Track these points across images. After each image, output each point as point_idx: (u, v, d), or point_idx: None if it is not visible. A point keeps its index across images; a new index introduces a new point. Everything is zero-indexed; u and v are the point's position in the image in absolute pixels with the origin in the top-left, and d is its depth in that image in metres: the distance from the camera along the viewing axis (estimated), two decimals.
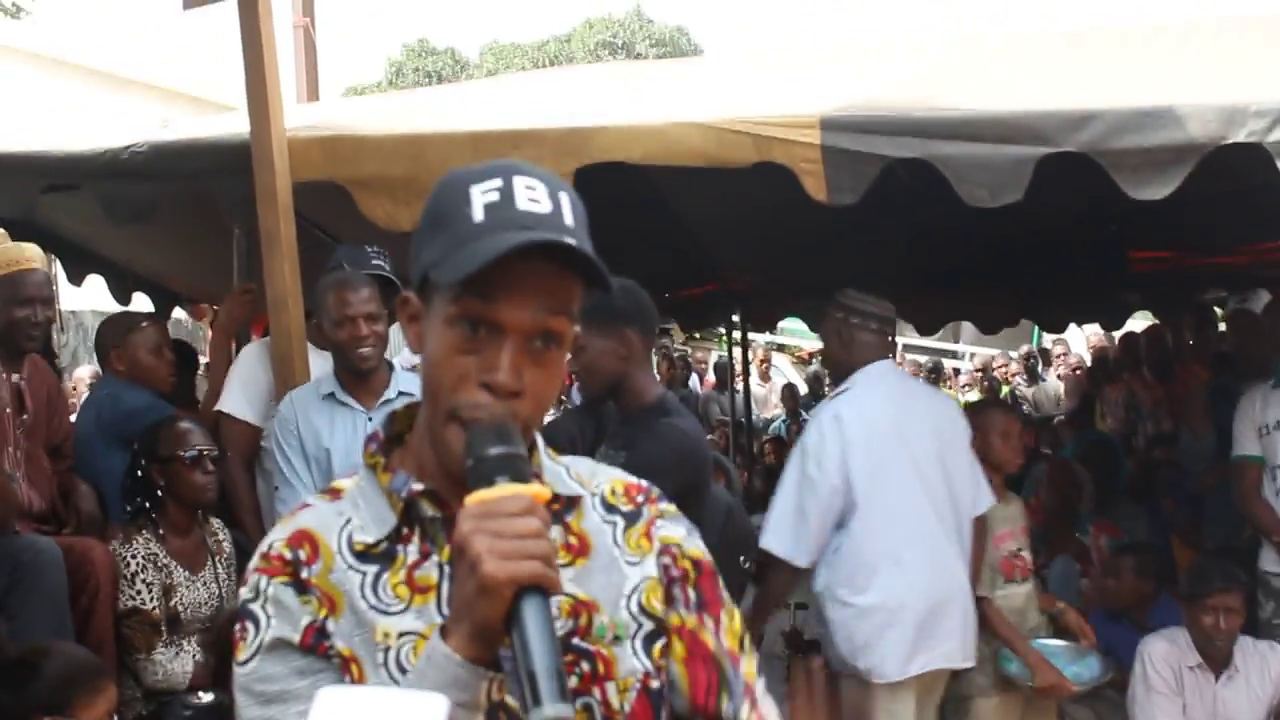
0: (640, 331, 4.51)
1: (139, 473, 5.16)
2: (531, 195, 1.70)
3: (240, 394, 5.65)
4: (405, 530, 1.79)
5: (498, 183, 1.70)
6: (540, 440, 1.89)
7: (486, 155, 4.99)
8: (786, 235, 8.07)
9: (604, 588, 1.83)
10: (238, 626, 1.76)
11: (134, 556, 4.95)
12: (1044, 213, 5.70)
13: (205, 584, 5.08)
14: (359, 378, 5.15)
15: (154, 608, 4.90)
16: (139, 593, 4.91)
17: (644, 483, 1.98)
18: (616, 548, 1.87)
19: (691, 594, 1.89)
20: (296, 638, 1.73)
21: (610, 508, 1.91)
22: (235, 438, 5.57)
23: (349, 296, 5.14)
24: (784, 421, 14.67)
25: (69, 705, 3.82)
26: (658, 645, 1.84)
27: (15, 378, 5.19)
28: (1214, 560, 5.91)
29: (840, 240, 7.93)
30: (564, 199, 1.73)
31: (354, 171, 5.30)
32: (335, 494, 1.87)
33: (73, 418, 6.05)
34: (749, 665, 1.92)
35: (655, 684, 1.84)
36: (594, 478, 1.95)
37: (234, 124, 5.81)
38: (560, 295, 1.70)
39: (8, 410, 4.95)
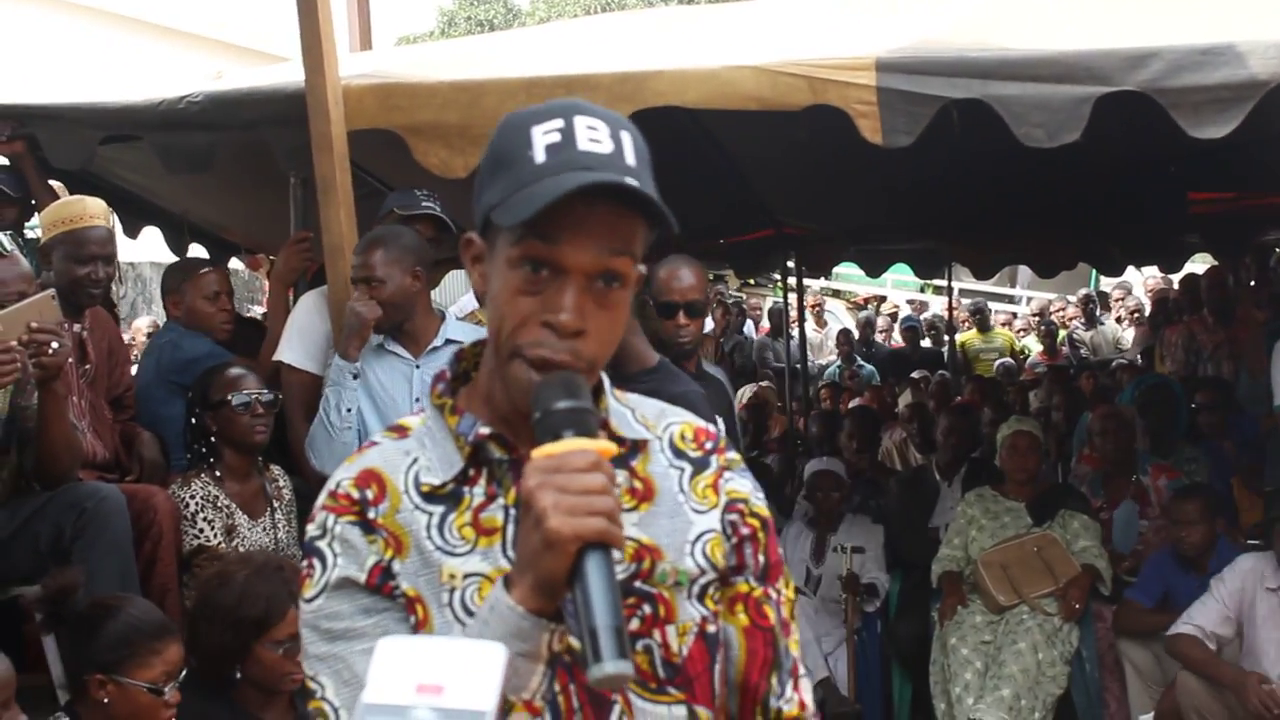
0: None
1: (194, 420, 5.22)
2: (593, 135, 1.70)
3: (299, 343, 5.67)
4: (472, 472, 1.81)
5: (559, 123, 1.70)
6: (607, 381, 1.89)
7: (540, 101, 5.00)
8: (842, 179, 8.04)
9: (668, 533, 1.84)
10: (304, 563, 1.79)
11: (193, 498, 5.02)
12: (1102, 154, 5.65)
13: (265, 530, 5.13)
14: (397, 329, 5.19)
15: (219, 544, 4.96)
16: (201, 531, 4.97)
17: (712, 428, 1.98)
18: (682, 494, 1.88)
19: (761, 559, 1.91)
20: (362, 577, 1.75)
21: (679, 453, 1.91)
22: (295, 387, 5.59)
23: (354, 258, 5.19)
24: (839, 367, 14.62)
25: (122, 665, 3.84)
26: (710, 593, 1.85)
27: (77, 328, 5.25)
28: None
29: (895, 184, 7.90)
30: (626, 138, 1.73)
31: (408, 119, 5.31)
32: (402, 431, 1.88)
33: (132, 369, 6.12)
34: (795, 638, 1.95)
35: (712, 629, 1.85)
36: (661, 420, 1.95)
37: (289, 73, 5.82)
38: (622, 235, 1.71)
39: (70, 361, 5.00)
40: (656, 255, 5.73)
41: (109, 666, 3.84)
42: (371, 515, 1.78)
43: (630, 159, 1.71)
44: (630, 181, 1.66)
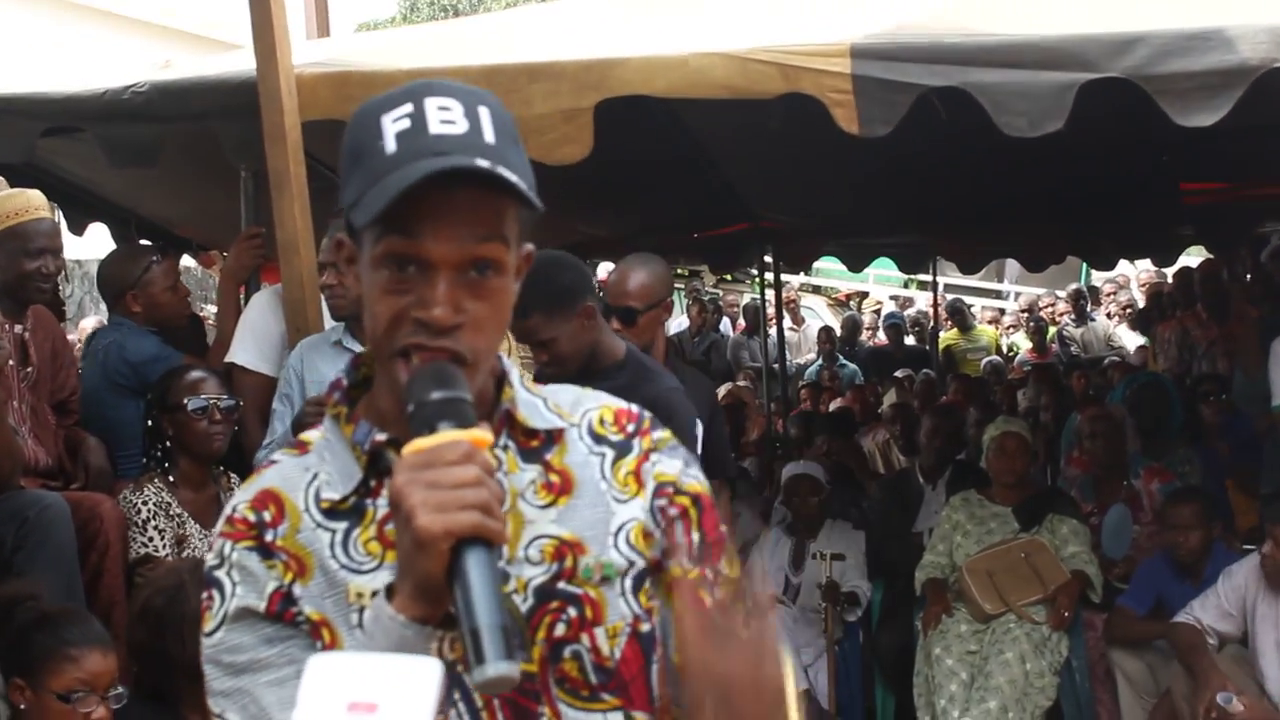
0: (593, 297, 4.74)
1: (150, 422, 5.21)
2: (445, 116, 1.66)
3: (252, 344, 5.64)
4: (373, 483, 1.78)
5: (408, 108, 1.67)
6: (514, 370, 1.87)
7: (501, 90, 4.98)
8: (819, 171, 8.05)
9: (590, 524, 1.81)
10: (204, 595, 1.76)
11: (144, 503, 4.99)
12: (1090, 143, 5.67)
13: None
14: (357, 323, 5.16)
15: (166, 554, 4.93)
16: (150, 539, 4.95)
17: (634, 408, 1.95)
18: (604, 481, 1.85)
19: (695, 537, 1.86)
20: (262, 605, 1.73)
21: (599, 438, 1.88)
22: (249, 390, 5.54)
23: (326, 242, 5.19)
24: (819, 366, 14.63)
25: (36, 671, 3.83)
26: (645, 586, 1.83)
27: (19, 329, 5.22)
28: None
29: (875, 175, 7.92)
30: (483, 114, 1.69)
31: None
32: (303, 447, 1.86)
33: (78, 371, 6.08)
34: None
35: (645, 627, 1.83)
36: (577, 407, 1.91)
37: (239, 62, 5.81)
38: (487, 220, 1.68)
39: (11, 363, 4.98)
40: (624, 250, 5.76)
41: (26, 671, 3.85)
42: (269, 538, 1.76)
43: (489, 136, 1.67)
44: (482, 163, 1.63)
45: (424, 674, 1.43)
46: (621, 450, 1.88)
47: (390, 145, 1.65)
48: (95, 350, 5.89)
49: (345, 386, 1.87)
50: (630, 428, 1.91)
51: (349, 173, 1.72)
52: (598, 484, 1.85)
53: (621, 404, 1.95)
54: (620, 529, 1.83)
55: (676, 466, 1.90)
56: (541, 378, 5.01)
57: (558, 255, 4.73)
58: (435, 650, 1.57)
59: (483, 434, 1.58)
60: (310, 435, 1.87)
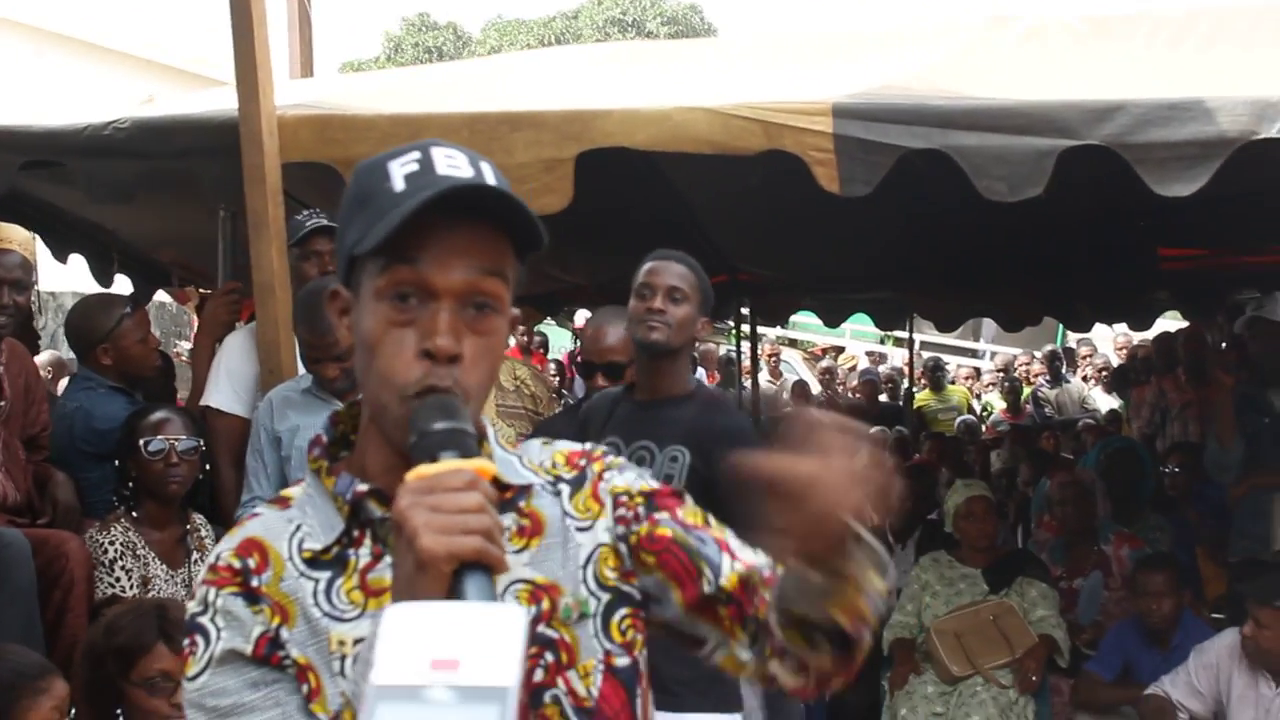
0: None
1: (119, 462, 5.18)
2: (451, 162, 1.71)
3: (227, 386, 5.61)
4: (355, 533, 1.80)
5: (416, 154, 1.72)
6: (491, 429, 1.89)
7: (483, 138, 5.01)
8: (799, 226, 8.06)
9: (562, 564, 1.85)
10: (186, 641, 1.77)
11: (111, 544, 4.96)
12: (1069, 206, 5.69)
13: (184, 582, 5.09)
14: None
15: (133, 594, 4.89)
16: (117, 579, 4.92)
17: (584, 446, 2.00)
18: (567, 517, 1.89)
19: (640, 509, 1.92)
20: (249, 649, 1.73)
21: (556, 479, 1.93)
22: (223, 433, 5.53)
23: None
24: None
25: (11, 710, 3.83)
26: (616, 620, 1.86)
27: None
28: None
29: (855, 232, 7.93)
30: (486, 167, 1.74)
31: (346, 152, 5.28)
32: (284, 503, 1.87)
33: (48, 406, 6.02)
34: (718, 531, 1.94)
35: (621, 661, 1.85)
36: (542, 459, 1.96)
37: (222, 101, 5.82)
38: (490, 254, 1.72)
39: None
40: (600, 300, 5.74)
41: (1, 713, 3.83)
42: (255, 584, 1.77)
43: (492, 182, 1.72)
44: (489, 182, 1.70)
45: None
46: (576, 483, 1.94)
47: (398, 184, 1.69)
48: (64, 413, 5.79)
49: (325, 443, 1.89)
50: (581, 462, 1.97)
51: (353, 216, 1.75)
52: (561, 520, 1.88)
53: (573, 446, 2.00)
54: (587, 562, 1.87)
55: (629, 478, 1.96)
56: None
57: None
58: None
59: (486, 464, 1.59)
60: (291, 491, 1.89)
